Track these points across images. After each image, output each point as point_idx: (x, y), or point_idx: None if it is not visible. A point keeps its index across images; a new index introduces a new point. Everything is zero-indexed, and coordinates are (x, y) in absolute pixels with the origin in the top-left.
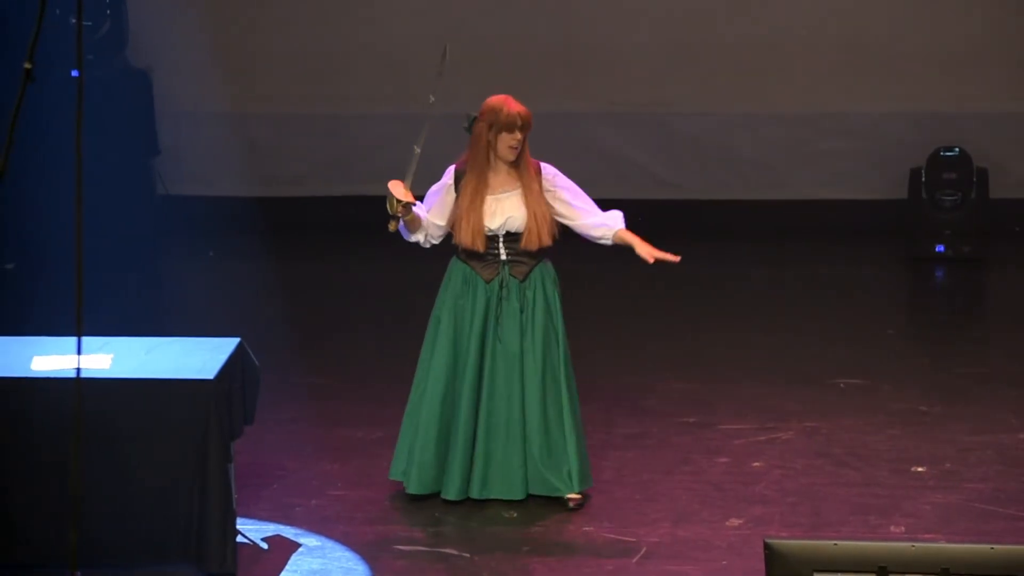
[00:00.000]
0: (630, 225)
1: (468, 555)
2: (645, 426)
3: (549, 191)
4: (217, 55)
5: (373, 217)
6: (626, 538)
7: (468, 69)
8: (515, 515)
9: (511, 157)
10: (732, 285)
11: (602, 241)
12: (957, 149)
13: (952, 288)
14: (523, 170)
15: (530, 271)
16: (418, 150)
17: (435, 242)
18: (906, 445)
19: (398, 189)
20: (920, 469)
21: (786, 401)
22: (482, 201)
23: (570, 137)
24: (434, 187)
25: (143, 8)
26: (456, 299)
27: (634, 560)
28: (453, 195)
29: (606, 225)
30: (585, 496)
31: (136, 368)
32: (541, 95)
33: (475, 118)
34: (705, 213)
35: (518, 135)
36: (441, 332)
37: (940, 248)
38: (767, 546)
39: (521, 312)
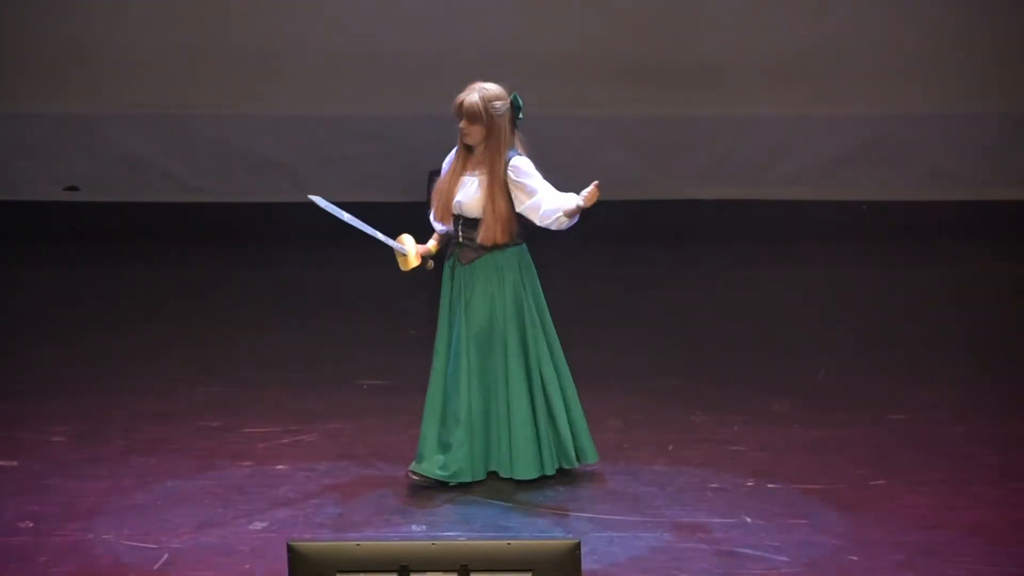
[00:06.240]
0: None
1: None
2: (167, 431)
3: (513, 183)
4: None
5: None
6: (147, 545)
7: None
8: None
9: (465, 143)
10: (255, 286)
11: (562, 227)
12: None
13: None
14: (491, 159)
15: (477, 258)
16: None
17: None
18: None
19: (409, 257)
20: None
21: (310, 403)
22: (457, 180)
23: (88, 139)
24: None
25: None
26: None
27: (155, 567)
28: None
29: (557, 211)
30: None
31: None
32: (48, 95)
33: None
34: (220, 216)
35: (460, 123)
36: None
37: None
38: (290, 548)
39: (460, 297)
